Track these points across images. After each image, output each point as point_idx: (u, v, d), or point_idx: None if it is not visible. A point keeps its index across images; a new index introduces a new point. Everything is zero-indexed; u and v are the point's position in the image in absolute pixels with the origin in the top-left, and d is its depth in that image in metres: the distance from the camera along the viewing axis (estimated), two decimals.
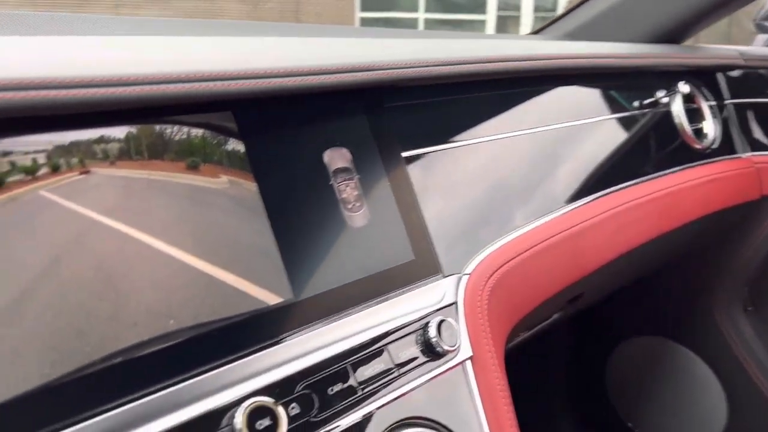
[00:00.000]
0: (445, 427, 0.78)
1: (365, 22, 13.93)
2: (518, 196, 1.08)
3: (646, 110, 1.45)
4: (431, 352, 0.81)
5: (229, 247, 0.68)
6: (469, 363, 0.84)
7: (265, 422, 0.61)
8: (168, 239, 0.64)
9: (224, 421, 0.61)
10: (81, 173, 0.61)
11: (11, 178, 0.57)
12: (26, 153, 0.58)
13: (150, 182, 0.65)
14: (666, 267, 1.86)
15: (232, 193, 0.71)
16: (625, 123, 1.38)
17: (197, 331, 0.63)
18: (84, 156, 0.61)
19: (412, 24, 15.02)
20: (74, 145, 0.61)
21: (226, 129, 0.72)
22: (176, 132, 0.68)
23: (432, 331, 0.80)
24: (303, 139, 0.79)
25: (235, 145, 0.72)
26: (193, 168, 0.69)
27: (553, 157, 1.18)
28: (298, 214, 0.76)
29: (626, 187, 1.29)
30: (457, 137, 1.02)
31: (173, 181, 0.67)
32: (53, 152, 0.59)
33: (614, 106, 1.38)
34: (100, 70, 0.58)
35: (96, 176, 0.62)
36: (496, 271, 0.94)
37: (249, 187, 0.72)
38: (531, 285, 1.03)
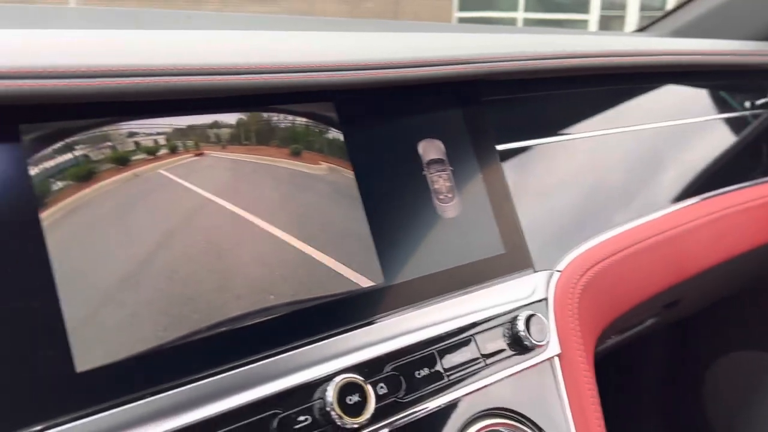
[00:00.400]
0: (530, 420, 0.78)
1: (463, 21, 13.87)
2: (616, 194, 1.05)
3: (758, 111, 1.37)
4: (518, 345, 0.81)
5: (326, 231, 0.71)
6: (557, 360, 0.84)
7: (355, 398, 0.64)
8: (271, 220, 0.68)
9: (316, 394, 0.64)
10: (195, 155, 0.66)
11: (135, 157, 0.62)
12: (148, 135, 0.63)
13: (257, 166, 0.69)
14: None
15: (330, 179, 0.74)
16: (734, 124, 1.32)
17: (295, 308, 0.67)
18: (199, 139, 0.66)
19: (511, 23, 14.81)
20: (191, 129, 0.66)
21: (327, 119, 0.75)
22: (282, 120, 0.72)
23: (520, 325, 0.80)
24: (399, 129, 0.82)
25: (335, 134, 0.76)
26: (295, 154, 0.72)
27: (654, 156, 1.14)
28: (391, 202, 0.78)
29: (731, 190, 1.23)
30: (555, 133, 1.01)
31: (277, 166, 0.71)
32: (172, 135, 0.65)
33: (722, 105, 1.32)
34: (218, 60, 0.63)
35: (209, 158, 0.66)
36: (590, 269, 0.93)
37: (346, 174, 0.75)
38: (625, 286, 1.00)
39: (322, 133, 0.75)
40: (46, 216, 0.56)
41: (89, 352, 0.55)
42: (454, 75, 0.84)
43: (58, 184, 0.57)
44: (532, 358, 0.81)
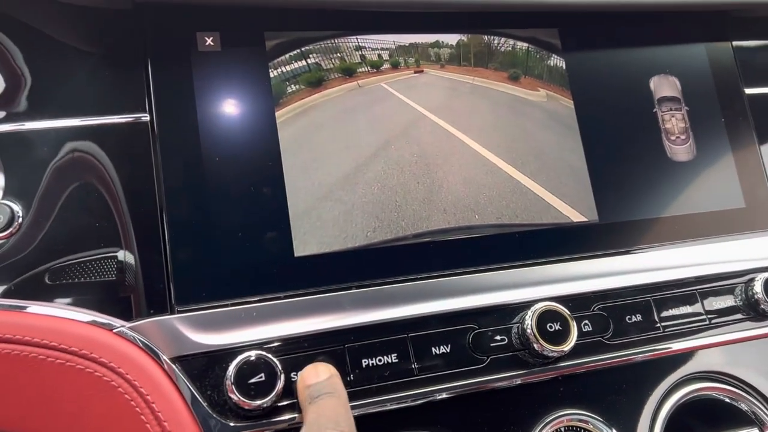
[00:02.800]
0: (757, 391, 0.68)
1: None
2: None
3: None
4: (752, 309, 0.71)
5: (539, 158, 0.69)
6: None
7: (556, 326, 0.61)
8: (483, 141, 0.67)
9: (516, 318, 0.63)
10: (415, 72, 0.68)
11: (360, 69, 0.66)
12: (374, 49, 0.66)
13: (474, 87, 0.69)
14: None
15: (548, 107, 0.71)
16: None
17: (499, 230, 0.66)
18: (420, 57, 0.68)
19: None
20: (413, 47, 0.68)
21: (550, 45, 0.73)
22: (502, 44, 0.71)
23: (758, 287, 0.70)
24: (628, 62, 0.76)
25: (557, 62, 0.72)
26: (514, 79, 0.71)
27: None
28: (613, 138, 0.73)
29: None
30: None
31: (494, 89, 0.70)
32: (395, 51, 0.67)
33: None
34: None
35: (428, 76, 0.68)
36: None
37: (566, 104, 0.72)
38: None
39: (544, 59, 0.72)
40: (280, 114, 0.62)
41: (307, 241, 0.60)
42: (701, 4, 0.76)
43: (292, 87, 0.63)
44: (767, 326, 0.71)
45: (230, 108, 0.61)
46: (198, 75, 0.61)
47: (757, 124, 0.80)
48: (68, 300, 0.55)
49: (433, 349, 0.60)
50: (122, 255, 0.57)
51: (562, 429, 0.62)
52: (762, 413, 0.67)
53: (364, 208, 0.62)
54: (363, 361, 0.57)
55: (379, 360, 0.58)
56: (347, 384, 0.56)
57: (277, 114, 0.62)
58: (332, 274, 0.60)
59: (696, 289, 0.70)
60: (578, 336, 0.62)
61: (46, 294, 0.55)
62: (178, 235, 0.57)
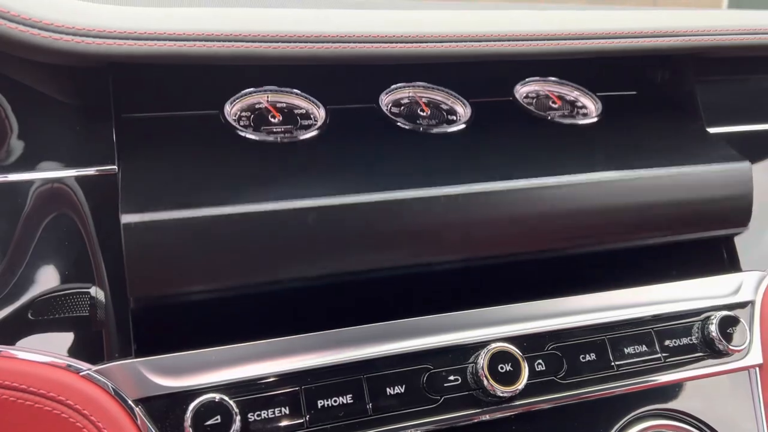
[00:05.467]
0: (710, 428, 0.70)
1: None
2: None
3: None
4: (709, 348, 0.73)
5: None
6: (756, 371, 0.74)
7: (507, 367, 0.63)
8: None
9: (470, 358, 0.65)
10: None
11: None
12: None
13: None
14: None
15: None
16: None
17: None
18: None
19: None
20: None
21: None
22: None
23: (713, 326, 0.72)
24: None
25: None
26: None
27: None
28: None
29: None
30: None
31: None
32: None
33: None
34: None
35: None
36: None
37: None
38: None
39: None
40: None
41: None
42: (664, 48, 0.78)
43: None
44: (725, 364, 0.73)
45: None
46: None
47: None
48: (38, 342, 0.59)
49: (388, 389, 0.62)
50: (90, 300, 0.60)
51: None
52: None
53: None
54: (318, 402, 0.60)
55: (335, 401, 0.61)
56: (302, 426, 0.59)
57: None
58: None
59: (652, 328, 0.72)
60: (531, 375, 0.65)
61: (15, 336, 0.58)
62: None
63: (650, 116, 0.83)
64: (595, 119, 0.81)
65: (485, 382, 0.62)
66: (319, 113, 0.73)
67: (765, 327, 0.76)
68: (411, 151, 0.71)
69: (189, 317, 0.61)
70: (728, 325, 0.72)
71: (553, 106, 0.82)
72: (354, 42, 0.65)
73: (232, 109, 0.71)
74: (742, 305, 0.76)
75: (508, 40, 0.70)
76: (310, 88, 0.74)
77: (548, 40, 0.72)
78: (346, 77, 0.75)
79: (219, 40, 0.61)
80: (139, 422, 0.56)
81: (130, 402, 0.56)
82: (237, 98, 0.72)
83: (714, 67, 0.84)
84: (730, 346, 0.72)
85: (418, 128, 0.74)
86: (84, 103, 0.66)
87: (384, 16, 0.70)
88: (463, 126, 0.75)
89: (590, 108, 0.83)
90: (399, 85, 0.78)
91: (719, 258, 0.79)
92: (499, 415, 0.64)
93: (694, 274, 0.77)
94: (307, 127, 0.71)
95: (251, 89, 0.73)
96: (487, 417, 0.64)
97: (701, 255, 0.78)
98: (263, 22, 0.63)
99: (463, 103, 0.78)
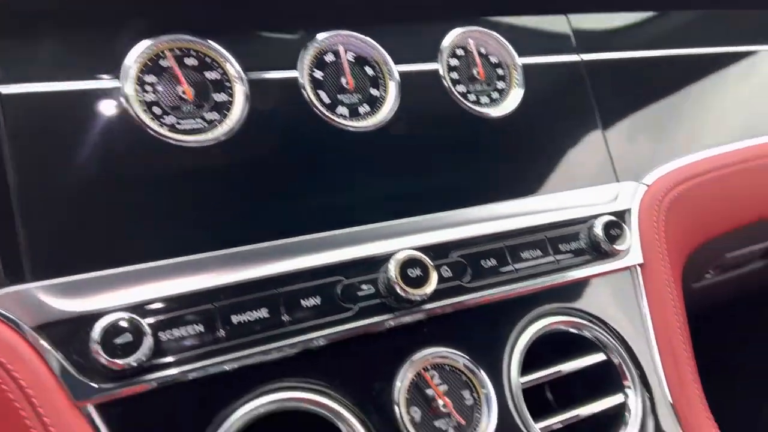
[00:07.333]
0: (604, 323, 0.76)
1: None
2: (711, 116, 0.98)
3: None
4: (596, 250, 0.79)
5: None
6: (638, 270, 0.81)
7: (417, 272, 0.65)
8: None
9: (380, 268, 0.66)
10: None
11: None
12: None
13: None
14: None
15: None
16: None
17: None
18: None
19: None
20: None
21: None
22: None
23: (598, 230, 0.78)
24: None
25: None
26: None
27: (763, 80, 1.06)
28: None
29: None
30: (646, 47, 0.97)
31: None
32: None
33: None
34: None
35: None
36: (678, 186, 0.88)
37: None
38: (718, 207, 0.94)
39: None
40: None
41: None
42: None
43: None
44: (609, 263, 0.79)
45: None
46: None
47: (597, 87, 0.89)
48: None
49: (303, 301, 0.63)
50: None
51: (429, 367, 0.66)
52: (604, 338, 0.75)
53: None
54: (233, 317, 0.59)
55: (250, 316, 0.60)
56: (219, 341, 0.58)
57: None
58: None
59: (545, 234, 0.77)
60: (439, 281, 0.67)
61: None
62: (32, 204, 0.56)
63: None
64: None
65: (397, 288, 0.64)
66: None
67: (643, 230, 0.83)
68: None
69: (89, 235, 0.58)
70: (611, 228, 0.78)
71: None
72: None
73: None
74: (622, 212, 0.83)
75: None
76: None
77: None
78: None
79: None
80: (40, 350, 0.53)
81: (27, 329, 0.53)
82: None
83: None
84: (614, 247, 0.78)
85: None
86: None
87: None
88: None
89: None
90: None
91: (601, 170, 0.85)
92: (410, 318, 0.67)
93: (579, 185, 0.83)
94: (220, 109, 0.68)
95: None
96: (400, 321, 0.66)
97: (585, 168, 0.84)
98: None
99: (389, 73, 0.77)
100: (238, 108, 0.68)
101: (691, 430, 0.73)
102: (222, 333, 0.58)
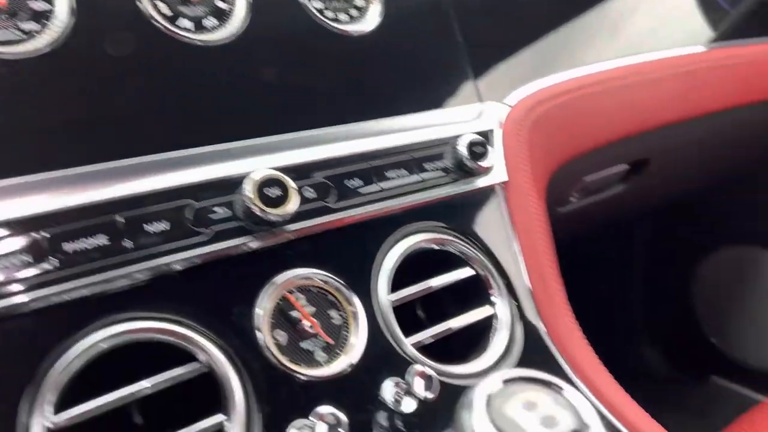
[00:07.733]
0: (473, 237, 0.77)
1: None
2: (579, 35, 1.01)
3: None
4: (461, 169, 0.79)
5: None
6: (503, 187, 0.82)
7: (276, 191, 0.61)
8: None
9: (235, 189, 0.62)
10: None
11: None
12: None
13: None
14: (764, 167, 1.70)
15: None
16: None
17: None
18: None
19: None
20: None
21: None
22: None
23: (462, 149, 0.78)
24: None
25: None
26: None
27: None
28: None
29: (701, 51, 1.17)
30: None
31: None
32: None
33: None
34: None
35: None
36: (542, 103, 0.90)
37: None
38: (582, 126, 0.97)
39: None
40: None
41: None
42: None
43: None
44: (474, 181, 0.79)
45: None
46: None
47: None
48: None
49: (147, 226, 0.57)
50: None
51: (294, 290, 0.64)
52: (471, 252, 0.75)
53: None
54: (65, 245, 0.53)
55: (86, 243, 0.54)
56: (51, 272, 0.52)
57: None
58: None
59: (410, 154, 0.76)
60: (302, 202, 0.64)
61: None
62: None
63: None
64: None
65: (255, 209, 0.60)
66: None
67: (507, 149, 0.84)
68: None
69: None
70: (474, 146, 0.78)
71: None
72: None
73: None
74: (486, 132, 0.83)
75: None
76: None
77: None
78: None
79: None
80: None
81: None
82: None
83: None
84: (478, 164, 0.78)
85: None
86: None
87: None
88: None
89: None
90: None
91: (465, 90, 0.85)
92: (273, 241, 0.63)
93: (443, 105, 0.82)
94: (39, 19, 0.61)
95: None
96: (261, 244, 0.62)
97: (449, 88, 0.84)
98: None
99: None
100: (62, 18, 0.60)
101: (556, 334, 0.75)
102: (55, 262, 0.53)
